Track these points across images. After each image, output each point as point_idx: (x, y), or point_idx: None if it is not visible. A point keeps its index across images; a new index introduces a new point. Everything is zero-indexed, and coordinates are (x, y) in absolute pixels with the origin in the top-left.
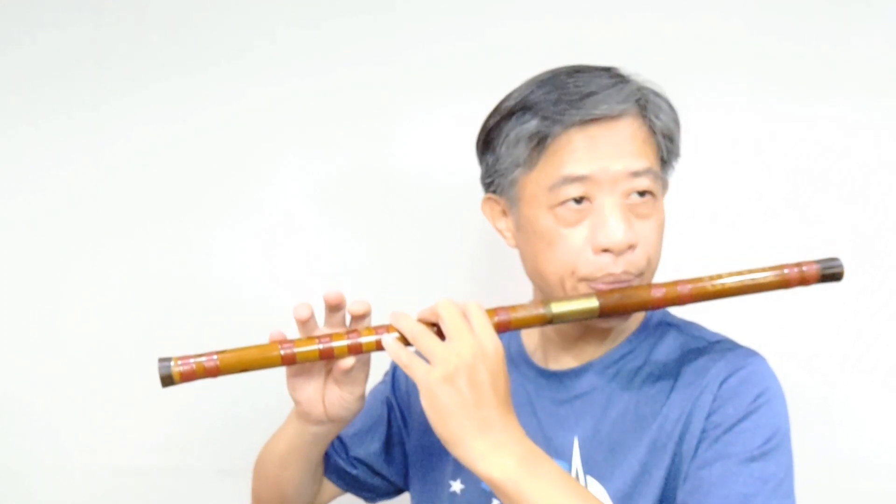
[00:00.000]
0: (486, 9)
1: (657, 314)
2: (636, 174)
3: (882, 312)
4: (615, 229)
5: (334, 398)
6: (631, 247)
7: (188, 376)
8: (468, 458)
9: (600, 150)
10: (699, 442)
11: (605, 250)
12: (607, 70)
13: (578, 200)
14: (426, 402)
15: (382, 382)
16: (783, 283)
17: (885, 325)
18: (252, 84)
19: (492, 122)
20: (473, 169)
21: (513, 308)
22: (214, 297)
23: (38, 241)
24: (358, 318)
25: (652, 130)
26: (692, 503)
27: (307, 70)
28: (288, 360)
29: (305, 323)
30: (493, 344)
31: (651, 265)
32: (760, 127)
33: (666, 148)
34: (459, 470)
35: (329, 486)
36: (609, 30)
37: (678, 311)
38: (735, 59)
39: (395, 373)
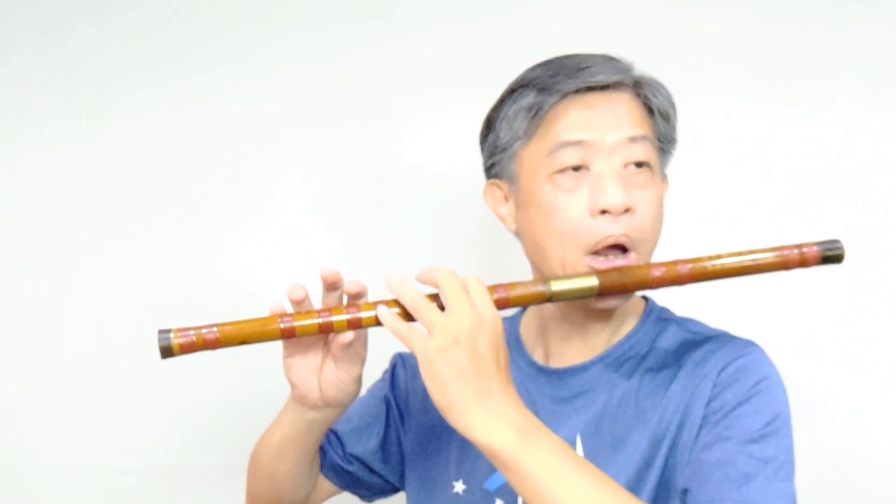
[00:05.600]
0: (485, 14)
1: (656, 310)
2: (633, 140)
3: (883, 312)
4: (612, 191)
5: (331, 379)
6: (628, 210)
7: (188, 348)
8: (466, 427)
9: (598, 119)
10: (699, 428)
11: (604, 212)
12: (604, 54)
13: (576, 168)
14: (425, 372)
15: (381, 380)
16: (783, 265)
17: (886, 324)
18: (256, 87)
19: (494, 107)
20: (474, 170)
21: (512, 285)
22: (217, 298)
23: (41, 241)
24: (354, 297)
25: (649, 109)
26: (693, 486)
27: (309, 74)
28: (287, 333)
29: (300, 303)
30: (491, 315)
31: (650, 234)
32: (760, 127)
33: (663, 127)
34: (462, 471)
35: (325, 484)
36: (610, 31)
37: (680, 300)
38: (735, 60)
39: (394, 371)
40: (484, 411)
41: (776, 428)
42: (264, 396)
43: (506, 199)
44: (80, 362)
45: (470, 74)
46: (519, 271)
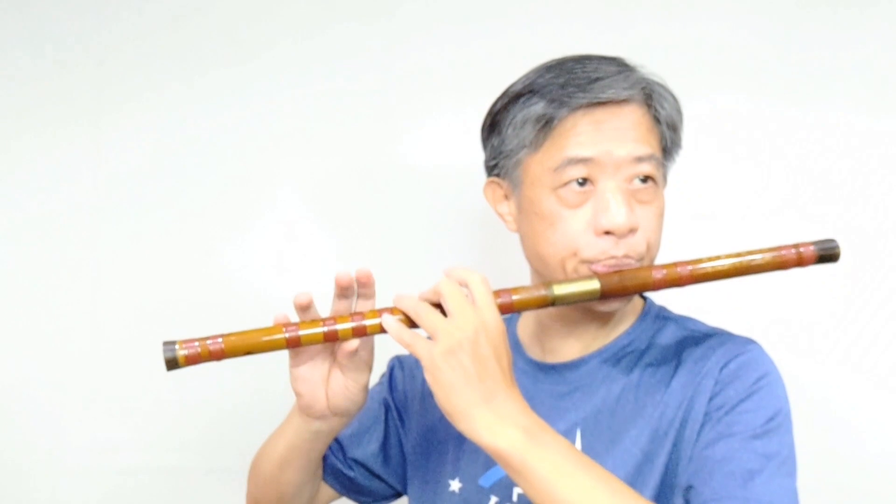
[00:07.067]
0: (485, 15)
1: (654, 308)
2: (639, 159)
3: (883, 312)
4: (617, 212)
5: (338, 388)
6: (632, 230)
7: (193, 360)
8: (473, 431)
9: (605, 134)
10: (702, 425)
11: (607, 233)
12: (614, 59)
13: (581, 182)
14: (430, 378)
15: (379, 384)
16: (781, 264)
17: (886, 324)
18: (255, 89)
19: (499, 106)
20: (474, 171)
21: (515, 290)
22: (218, 298)
23: (42, 242)
24: (362, 285)
25: (656, 120)
26: (697, 483)
27: (309, 75)
28: (292, 343)
29: (306, 310)
30: (494, 319)
31: (651, 251)
32: (760, 127)
33: (669, 138)
34: (458, 469)
35: (326, 490)
36: (610, 32)
37: (681, 300)
38: (735, 61)
39: (391, 373)
40: (489, 414)
41: (778, 424)
42: (267, 395)
43: (506, 197)
44: (80, 362)
45: (470, 75)
46: (519, 271)
